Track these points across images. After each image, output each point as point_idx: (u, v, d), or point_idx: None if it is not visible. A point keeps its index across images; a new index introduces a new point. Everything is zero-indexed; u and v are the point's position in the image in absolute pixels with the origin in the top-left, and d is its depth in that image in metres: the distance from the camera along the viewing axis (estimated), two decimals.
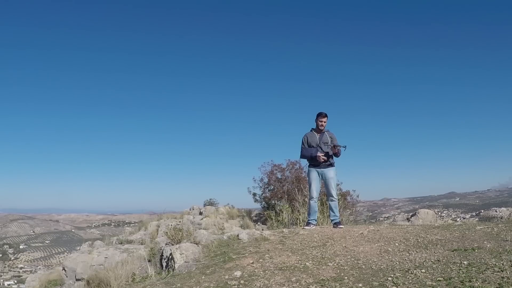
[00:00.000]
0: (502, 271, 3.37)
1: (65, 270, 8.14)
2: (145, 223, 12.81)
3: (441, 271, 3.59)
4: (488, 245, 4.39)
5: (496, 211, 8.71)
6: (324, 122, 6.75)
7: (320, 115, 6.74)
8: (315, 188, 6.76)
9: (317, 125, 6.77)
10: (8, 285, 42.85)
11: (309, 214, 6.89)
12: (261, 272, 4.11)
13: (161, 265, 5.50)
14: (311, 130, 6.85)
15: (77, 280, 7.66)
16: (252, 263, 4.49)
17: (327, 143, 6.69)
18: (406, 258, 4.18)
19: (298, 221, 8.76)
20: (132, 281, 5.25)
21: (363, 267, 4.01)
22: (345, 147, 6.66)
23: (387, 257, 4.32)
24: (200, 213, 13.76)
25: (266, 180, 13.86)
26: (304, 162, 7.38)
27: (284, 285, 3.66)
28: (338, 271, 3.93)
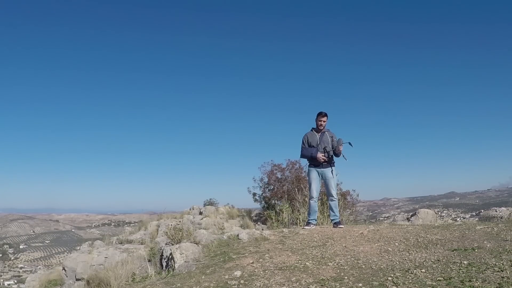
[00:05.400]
0: (502, 271, 3.37)
1: (65, 270, 8.15)
2: (145, 223, 12.82)
3: (441, 271, 3.58)
4: (488, 245, 4.39)
5: (496, 211, 8.70)
6: (324, 121, 6.74)
7: (320, 114, 6.73)
8: (315, 188, 6.75)
9: (317, 125, 6.77)
10: (8, 285, 42.85)
11: (309, 214, 6.89)
12: (261, 272, 4.11)
13: (161, 265, 5.50)
14: (311, 130, 6.84)
15: (77, 280, 7.67)
16: (252, 263, 4.49)
17: (326, 146, 6.67)
18: (406, 258, 4.17)
19: (298, 221, 8.76)
20: (132, 281, 5.25)
21: (363, 266, 4.01)
22: (349, 143, 6.67)
23: (387, 257, 4.32)
24: (200, 213, 13.77)
25: (266, 180, 13.87)
26: (304, 162, 7.38)
27: (284, 285, 3.65)
28: (338, 271, 3.93)
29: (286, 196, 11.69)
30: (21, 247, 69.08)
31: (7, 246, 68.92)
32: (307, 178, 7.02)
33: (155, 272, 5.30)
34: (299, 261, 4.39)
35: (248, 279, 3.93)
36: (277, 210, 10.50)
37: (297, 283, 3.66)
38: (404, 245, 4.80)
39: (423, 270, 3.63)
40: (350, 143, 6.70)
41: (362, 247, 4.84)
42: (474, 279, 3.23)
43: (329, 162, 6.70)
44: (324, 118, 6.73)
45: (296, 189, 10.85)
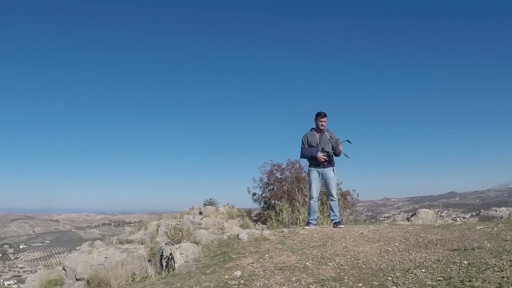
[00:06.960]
0: (502, 271, 3.38)
1: (65, 270, 8.14)
2: (145, 223, 12.81)
3: (441, 270, 3.59)
4: (488, 245, 4.39)
5: (496, 211, 8.71)
6: (324, 122, 6.74)
7: (320, 115, 6.73)
8: (315, 187, 6.76)
9: (317, 125, 6.77)
10: (8, 285, 42.83)
11: (309, 214, 6.89)
12: (261, 272, 4.11)
13: (161, 265, 5.50)
14: (311, 130, 6.85)
15: (77, 280, 7.66)
16: (252, 263, 4.49)
17: (326, 146, 6.68)
18: (406, 258, 4.18)
19: (298, 221, 8.76)
20: (132, 281, 5.25)
21: (363, 266, 4.01)
22: (348, 141, 6.72)
23: (387, 256, 4.33)
24: (200, 213, 13.76)
25: (266, 180, 13.86)
26: (304, 162, 7.39)
27: (284, 285, 3.66)
28: (338, 270, 3.93)
29: (286, 196, 11.69)
30: (21, 247, 69.06)
31: (7, 246, 68.91)
32: (307, 178, 7.02)
33: (155, 272, 5.31)
34: (299, 261, 4.39)
35: (248, 279, 3.94)
36: (277, 210, 10.50)
37: (297, 283, 3.66)
38: (404, 245, 4.80)
39: (423, 270, 3.63)
40: (348, 141, 6.75)
41: (362, 247, 4.84)
42: (474, 279, 3.23)
43: (330, 162, 6.71)
44: (324, 119, 6.74)
45: (296, 189, 10.85)
